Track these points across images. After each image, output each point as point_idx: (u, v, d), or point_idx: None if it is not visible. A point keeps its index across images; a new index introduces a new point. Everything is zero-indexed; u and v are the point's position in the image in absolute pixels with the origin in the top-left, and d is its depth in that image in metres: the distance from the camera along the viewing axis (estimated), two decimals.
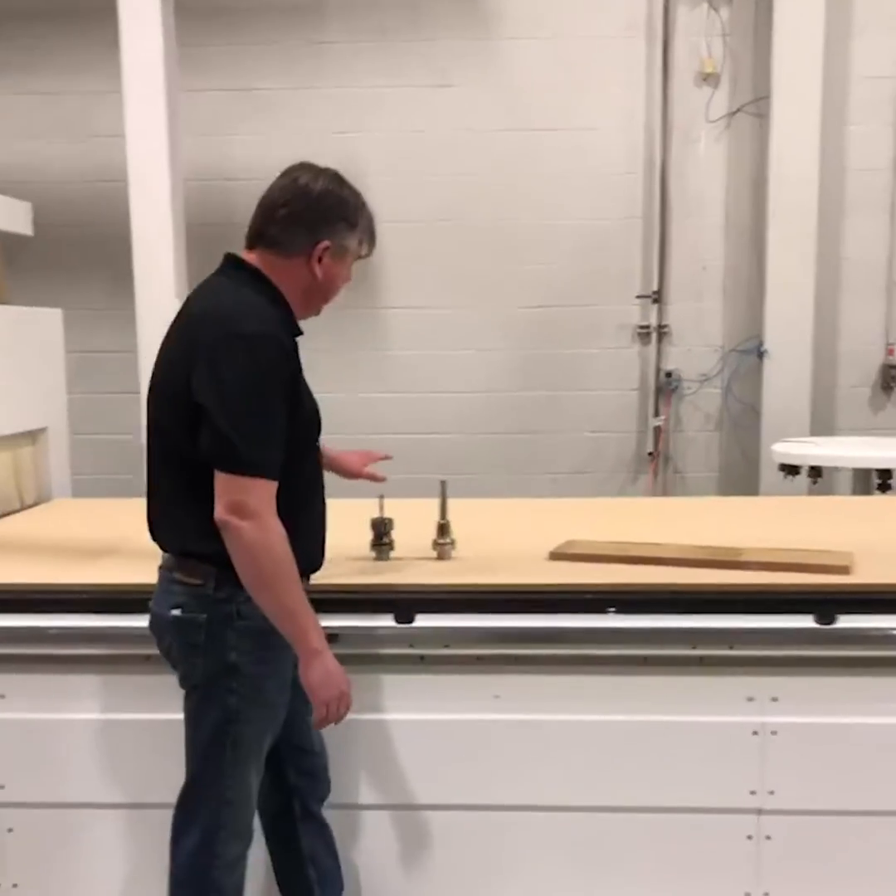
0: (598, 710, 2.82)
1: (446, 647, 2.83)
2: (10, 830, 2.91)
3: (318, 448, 2.60)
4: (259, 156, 6.15)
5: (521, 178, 6.35)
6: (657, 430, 6.50)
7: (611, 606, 2.81)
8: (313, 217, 2.46)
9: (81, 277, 6.28)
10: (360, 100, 6.33)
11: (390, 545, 3.19)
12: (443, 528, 3.19)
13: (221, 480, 2.29)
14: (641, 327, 6.46)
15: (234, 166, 6.24)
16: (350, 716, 2.81)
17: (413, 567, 3.09)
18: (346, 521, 3.26)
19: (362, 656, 2.83)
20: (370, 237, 2.56)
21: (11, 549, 3.51)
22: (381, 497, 3.18)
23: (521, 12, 6.25)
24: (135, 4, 5.20)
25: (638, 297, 6.42)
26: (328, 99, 6.35)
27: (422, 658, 2.83)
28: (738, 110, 6.26)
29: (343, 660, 2.79)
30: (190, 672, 2.47)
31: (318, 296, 2.52)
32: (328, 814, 2.85)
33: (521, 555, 3.21)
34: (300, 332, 2.50)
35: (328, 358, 6.47)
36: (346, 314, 6.51)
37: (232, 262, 2.51)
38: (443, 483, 3.14)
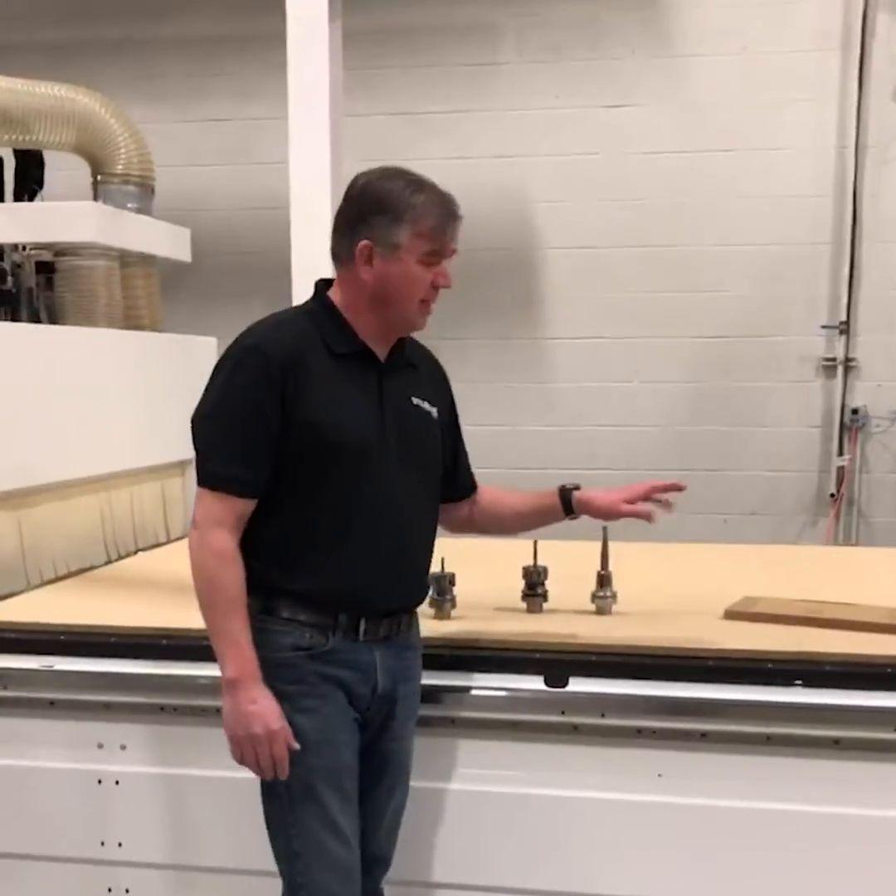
0: (778, 797, 2.43)
1: (603, 716, 2.50)
2: (127, 891, 2.72)
3: (378, 473, 2.24)
4: None
5: (698, 201, 5.98)
6: (841, 470, 5.98)
7: (797, 679, 2.44)
8: (351, 218, 2.26)
9: (238, 306, 6.15)
10: (533, 122, 6.08)
11: (544, 596, 2.90)
12: (603, 580, 2.88)
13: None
14: (826, 360, 5.97)
15: None
16: (487, 787, 2.56)
17: (568, 622, 2.78)
18: (494, 565, 3.03)
19: (506, 722, 2.54)
20: (434, 228, 2.22)
21: (143, 587, 3.35)
22: (535, 541, 2.89)
23: (706, 27, 5.89)
24: (303, 29, 5.09)
25: (823, 327, 5.94)
26: (499, 121, 6.12)
27: (575, 728, 2.50)
28: None
29: (483, 724, 2.54)
30: None
31: (385, 303, 2.26)
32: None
33: (691, 611, 2.87)
34: (356, 349, 2.27)
35: (487, 390, 6.28)
36: (507, 344, 6.29)
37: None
38: (604, 529, 2.83)
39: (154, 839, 2.71)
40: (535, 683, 2.53)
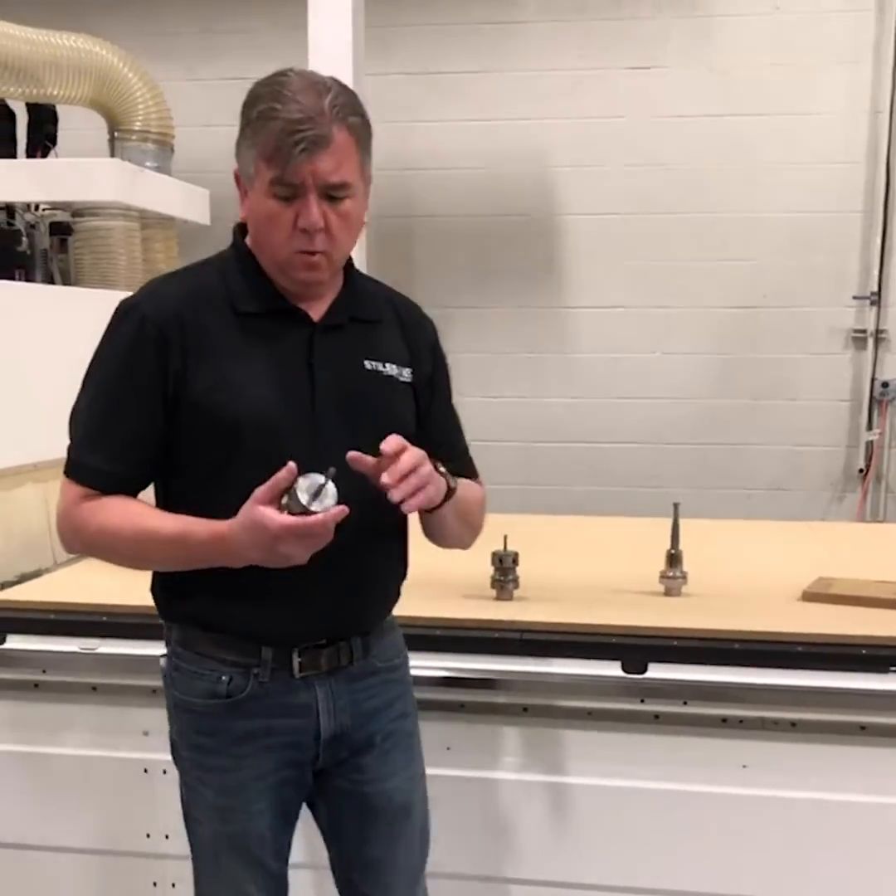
0: (874, 790, 2.30)
1: (685, 704, 2.36)
2: (173, 886, 2.57)
3: (304, 458, 1.63)
4: (443, 144, 5.79)
5: (727, 167, 5.78)
6: (870, 445, 5.85)
7: (893, 664, 2.30)
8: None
9: None
10: (554, 84, 5.86)
11: None
12: (673, 559, 2.73)
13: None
14: (856, 331, 5.81)
15: (416, 155, 5.84)
16: (563, 778, 2.44)
17: (639, 604, 2.63)
18: (554, 544, 2.88)
19: (582, 710, 2.40)
20: (275, 149, 1.70)
21: None
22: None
23: None
24: None
25: (854, 298, 5.77)
26: (519, 83, 5.90)
27: (656, 716, 2.37)
28: None
29: (557, 712, 2.41)
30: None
31: (258, 245, 1.84)
32: (532, 891, 2.44)
33: (766, 593, 2.73)
34: (267, 308, 1.83)
35: (506, 360, 6.11)
36: (527, 314, 6.11)
37: None
38: (675, 506, 2.69)
39: None
40: (612, 669, 2.39)
